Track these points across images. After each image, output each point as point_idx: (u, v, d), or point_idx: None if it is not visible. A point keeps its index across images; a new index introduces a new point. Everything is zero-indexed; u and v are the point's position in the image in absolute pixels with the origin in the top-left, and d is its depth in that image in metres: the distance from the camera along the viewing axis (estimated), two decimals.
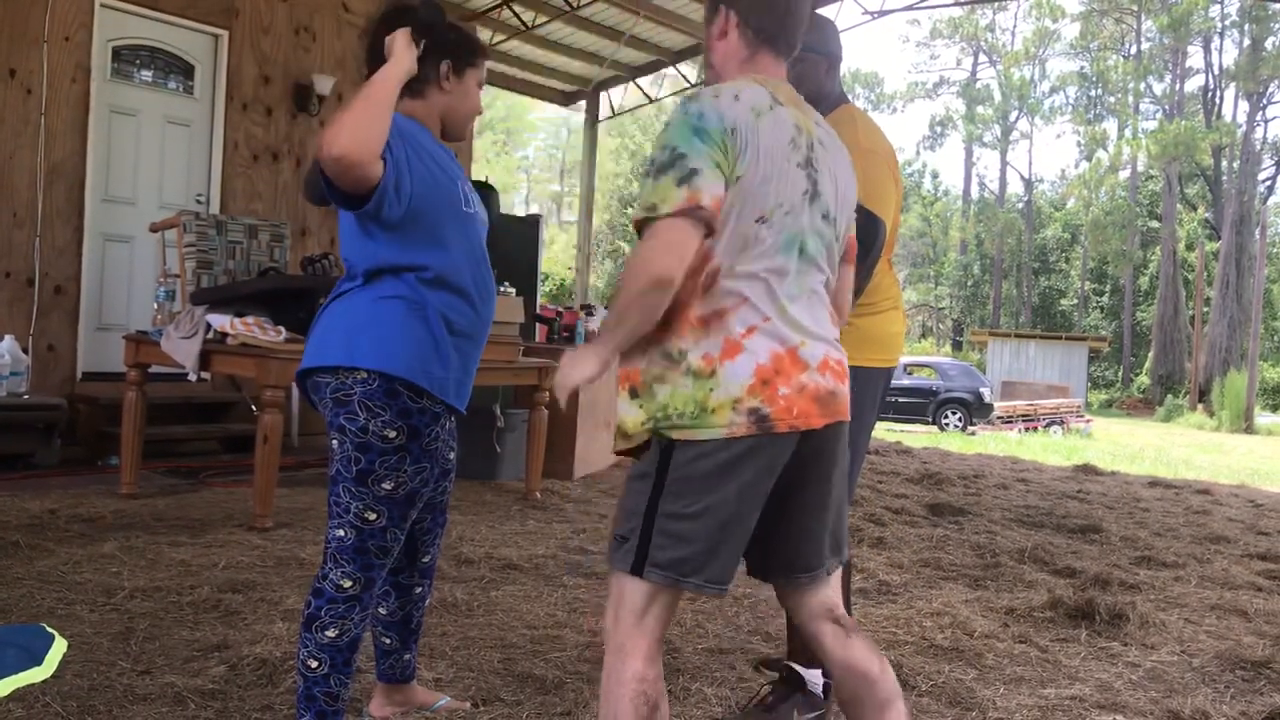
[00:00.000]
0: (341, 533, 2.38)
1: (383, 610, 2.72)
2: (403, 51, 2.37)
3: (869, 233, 2.68)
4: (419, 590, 2.75)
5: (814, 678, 2.93)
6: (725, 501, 1.92)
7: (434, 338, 2.39)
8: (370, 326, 2.36)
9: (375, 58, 2.45)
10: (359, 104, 2.21)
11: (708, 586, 1.95)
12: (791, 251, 1.98)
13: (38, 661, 2.55)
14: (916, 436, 15.68)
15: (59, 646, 2.70)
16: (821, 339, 2.03)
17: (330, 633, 2.35)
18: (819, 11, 3.17)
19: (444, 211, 2.41)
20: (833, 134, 2.13)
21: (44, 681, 2.78)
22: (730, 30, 2.13)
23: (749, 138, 1.93)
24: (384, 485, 2.37)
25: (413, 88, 2.47)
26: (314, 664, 2.36)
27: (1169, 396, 33.30)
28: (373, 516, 2.37)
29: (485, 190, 11.34)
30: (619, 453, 2.06)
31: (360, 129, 2.18)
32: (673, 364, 1.94)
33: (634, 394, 2.00)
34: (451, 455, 2.65)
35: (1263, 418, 27.92)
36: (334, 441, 2.39)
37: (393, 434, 2.35)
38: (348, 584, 2.37)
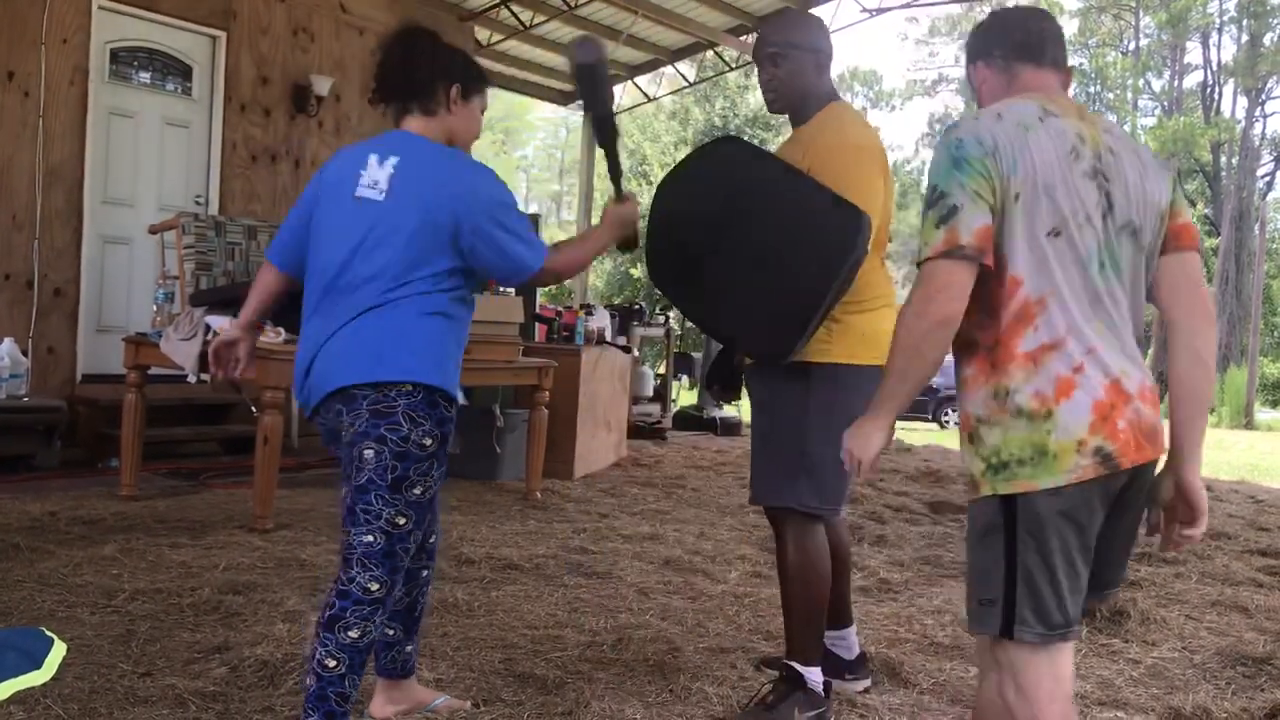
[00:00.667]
0: (370, 538, 2.43)
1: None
2: (612, 226, 2.88)
3: (852, 226, 2.69)
4: (425, 573, 2.81)
5: (814, 676, 2.93)
6: (1073, 544, 1.87)
7: (457, 349, 2.57)
8: (418, 340, 2.47)
9: (385, 76, 2.60)
10: (583, 260, 2.77)
11: (1072, 630, 1.93)
12: (1092, 268, 1.90)
13: (37, 665, 2.54)
14: (917, 434, 15.66)
15: (58, 650, 2.69)
16: (1135, 364, 1.95)
17: (353, 633, 2.40)
18: (811, 11, 3.20)
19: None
20: (1127, 140, 2.02)
21: (45, 684, 2.78)
22: (985, 72, 2.12)
23: (1017, 153, 1.87)
24: (414, 491, 2.46)
25: (426, 107, 2.60)
26: (332, 663, 2.38)
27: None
28: (402, 521, 2.45)
29: None
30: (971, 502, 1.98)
31: (575, 269, 2.73)
32: (1000, 405, 1.89)
33: (970, 439, 1.95)
34: None
35: (1263, 413, 27.92)
36: (369, 451, 2.42)
37: (429, 442, 2.45)
38: (375, 587, 2.43)
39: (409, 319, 2.46)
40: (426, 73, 2.59)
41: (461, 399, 2.63)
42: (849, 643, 3.28)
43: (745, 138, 31.00)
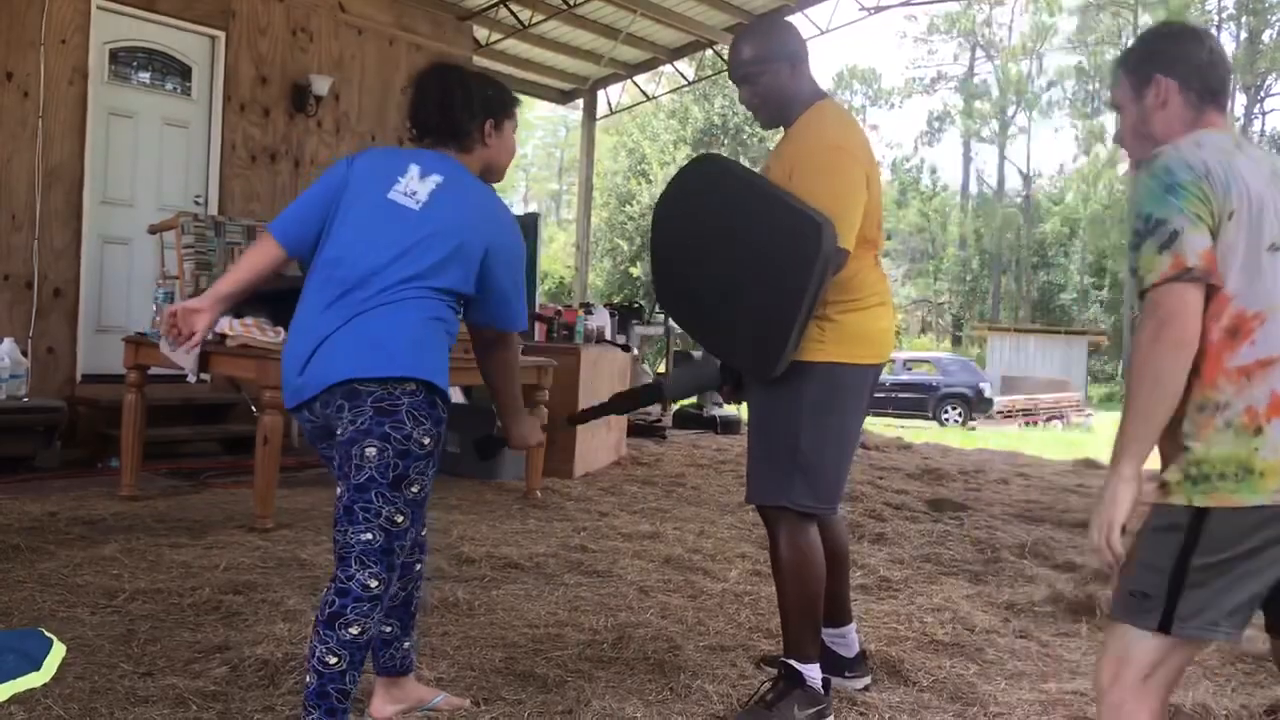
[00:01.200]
0: (369, 535, 2.43)
1: None
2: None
3: (812, 234, 2.69)
4: (419, 567, 2.82)
5: (813, 673, 2.93)
6: (1260, 565, 1.87)
7: (448, 351, 2.58)
8: (424, 340, 2.49)
9: (422, 119, 2.69)
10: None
11: (1234, 633, 1.93)
12: None
13: (36, 666, 2.55)
14: (916, 432, 15.68)
15: (58, 651, 2.70)
16: None
17: (354, 630, 2.40)
18: (770, 12, 3.21)
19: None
20: None
21: (45, 685, 2.78)
22: (1170, 97, 2.06)
23: (1228, 175, 1.87)
24: (413, 489, 2.47)
25: (461, 144, 2.67)
26: (333, 660, 2.39)
27: None
28: (400, 519, 2.46)
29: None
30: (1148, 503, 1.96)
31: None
32: (1206, 416, 1.87)
33: (1171, 448, 1.93)
34: None
35: None
36: (371, 449, 2.42)
37: (429, 441, 2.46)
38: (374, 584, 2.44)
39: (415, 319, 2.48)
40: (463, 116, 2.66)
41: (458, 396, 2.65)
42: (849, 641, 3.28)
43: (745, 136, 31.03)
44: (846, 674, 3.24)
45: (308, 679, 2.41)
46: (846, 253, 2.81)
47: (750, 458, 3.06)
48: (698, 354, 13.93)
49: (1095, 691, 1.96)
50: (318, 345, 2.48)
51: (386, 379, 2.42)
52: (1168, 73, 2.06)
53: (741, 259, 2.84)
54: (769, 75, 2.99)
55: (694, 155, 3.45)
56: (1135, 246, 1.89)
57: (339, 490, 2.50)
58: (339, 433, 2.46)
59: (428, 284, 2.50)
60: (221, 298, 2.65)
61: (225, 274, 2.69)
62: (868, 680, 3.28)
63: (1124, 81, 2.13)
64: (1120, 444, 1.90)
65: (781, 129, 3.11)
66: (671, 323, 12.41)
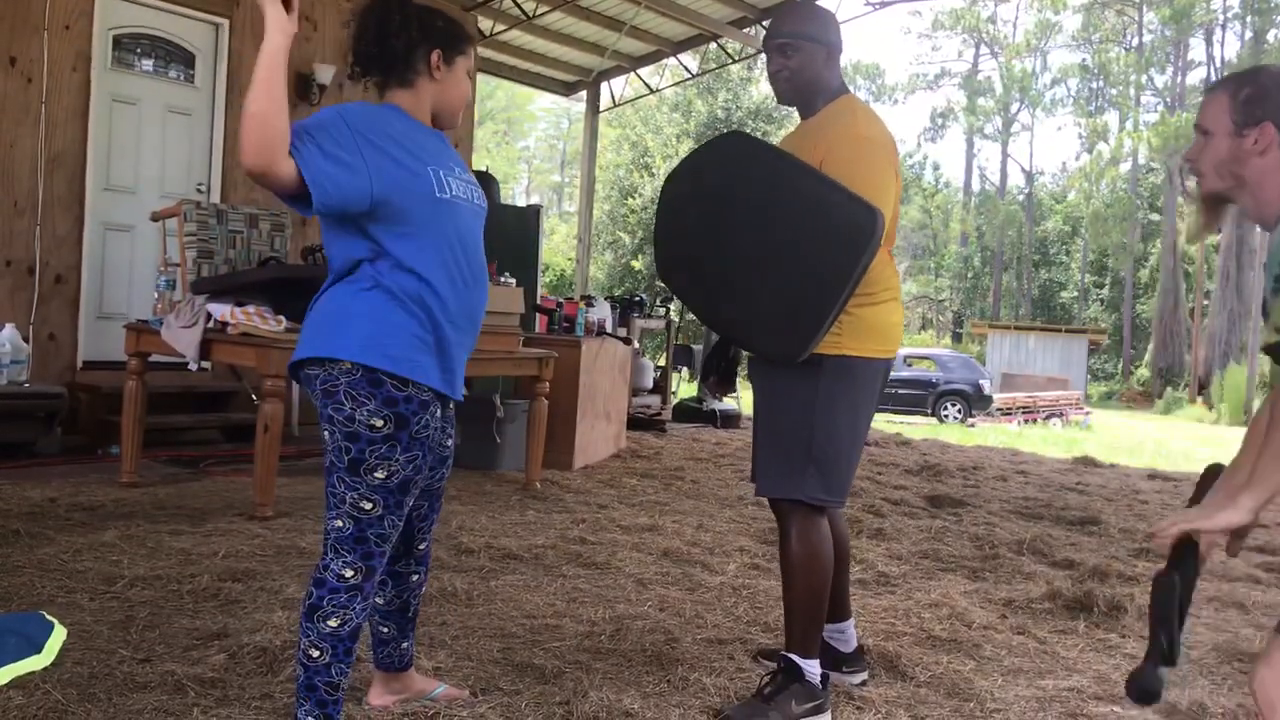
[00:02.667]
0: (340, 523, 2.38)
1: (380, 600, 2.73)
2: (271, 23, 2.23)
3: (866, 222, 2.68)
4: (416, 578, 2.76)
5: (811, 668, 2.94)
6: None
7: (416, 325, 2.38)
8: (352, 318, 2.37)
9: (359, 50, 2.50)
10: (245, 114, 2.17)
11: None
12: None
13: (38, 649, 2.55)
14: (916, 428, 15.68)
15: (59, 634, 2.70)
16: None
17: (332, 622, 2.35)
18: (819, 3, 3.20)
19: (412, 200, 2.38)
20: None
21: (44, 669, 2.78)
22: (1273, 149, 1.96)
23: None
24: (376, 474, 2.36)
25: (403, 78, 2.48)
26: (315, 653, 2.36)
27: (1169, 389, 33.30)
28: (368, 506, 2.37)
29: (484, 180, 11.33)
30: None
31: (254, 138, 2.15)
32: None
33: None
34: (449, 443, 2.66)
35: None
36: (325, 432, 2.39)
37: (379, 423, 2.34)
38: (349, 573, 2.38)
39: (346, 296, 2.40)
40: (403, 41, 2.47)
41: (451, 392, 2.52)
42: (847, 636, 3.29)
43: (749, 130, 30.98)
44: (844, 669, 3.25)
45: (296, 670, 2.40)
46: (879, 247, 2.82)
47: (761, 451, 3.04)
48: (697, 347, 13.94)
49: (1263, 707, 1.88)
50: None
51: (323, 360, 2.36)
52: (1278, 121, 1.96)
53: (779, 237, 2.78)
54: (804, 54, 2.99)
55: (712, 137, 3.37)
56: (1269, 299, 1.86)
57: None
58: None
59: (352, 257, 2.40)
60: None
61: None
62: (865, 675, 3.28)
63: (1223, 109, 2.01)
64: (1253, 477, 1.86)
65: (785, 125, 3.10)
66: (672, 315, 12.42)
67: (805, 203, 2.77)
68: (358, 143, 2.31)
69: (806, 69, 3.01)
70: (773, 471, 2.98)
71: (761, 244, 2.81)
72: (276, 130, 2.18)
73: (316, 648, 2.35)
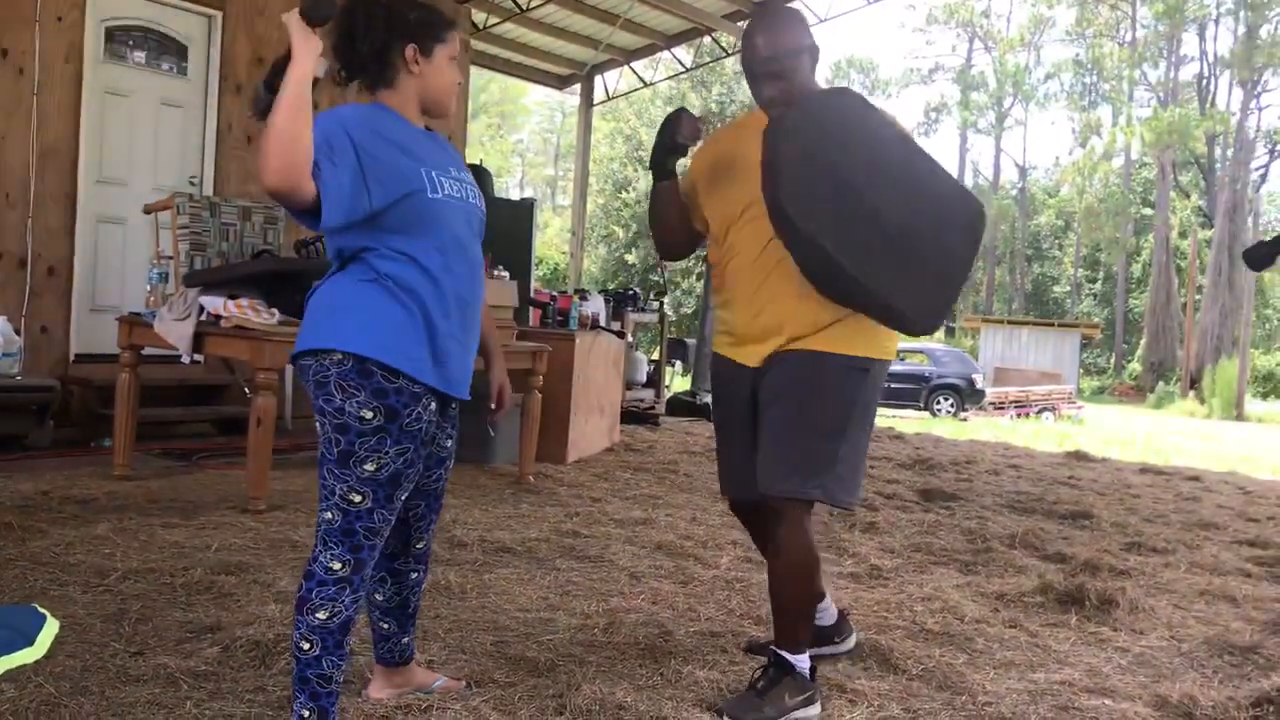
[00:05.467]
0: (329, 515, 2.38)
1: (379, 596, 2.73)
2: (299, 48, 2.29)
3: (980, 212, 2.79)
4: (415, 575, 2.77)
5: (802, 661, 2.95)
6: None
7: (409, 319, 2.39)
8: (346, 309, 2.38)
9: (337, 56, 2.51)
10: (271, 131, 2.18)
11: None
12: None
13: (30, 642, 2.55)
14: (909, 422, 15.70)
15: (51, 627, 2.70)
16: None
17: (321, 615, 2.36)
18: (786, 4, 3.16)
19: (407, 199, 2.39)
20: None
21: (36, 662, 2.78)
22: None
23: None
24: (366, 467, 2.36)
25: (384, 77, 2.49)
26: (306, 646, 2.36)
27: (1161, 384, 33.37)
28: (357, 499, 2.37)
29: (478, 174, 11.32)
30: None
31: (282, 159, 2.17)
32: None
33: None
34: (449, 443, 2.67)
35: (1253, 405, 28.00)
36: (317, 424, 2.40)
37: (369, 415, 2.34)
38: (337, 566, 2.37)
39: (341, 287, 2.42)
40: (372, 42, 2.46)
41: (446, 386, 2.52)
42: (827, 613, 3.35)
43: None
44: (835, 639, 3.29)
45: (291, 664, 2.41)
46: None
47: (774, 448, 2.93)
48: (691, 341, 13.93)
49: None
50: None
51: (316, 351, 2.37)
52: None
53: (921, 218, 2.77)
54: (798, 71, 2.90)
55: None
56: None
57: None
58: None
59: (349, 249, 2.42)
60: None
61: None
62: (854, 639, 3.34)
63: None
64: None
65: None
66: (666, 309, 12.41)
67: (932, 182, 2.83)
68: (359, 155, 2.32)
69: (802, 84, 2.92)
70: (790, 468, 2.89)
71: (903, 220, 2.76)
72: (304, 151, 2.20)
73: (307, 640, 2.36)
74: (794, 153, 2.71)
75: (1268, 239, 3.29)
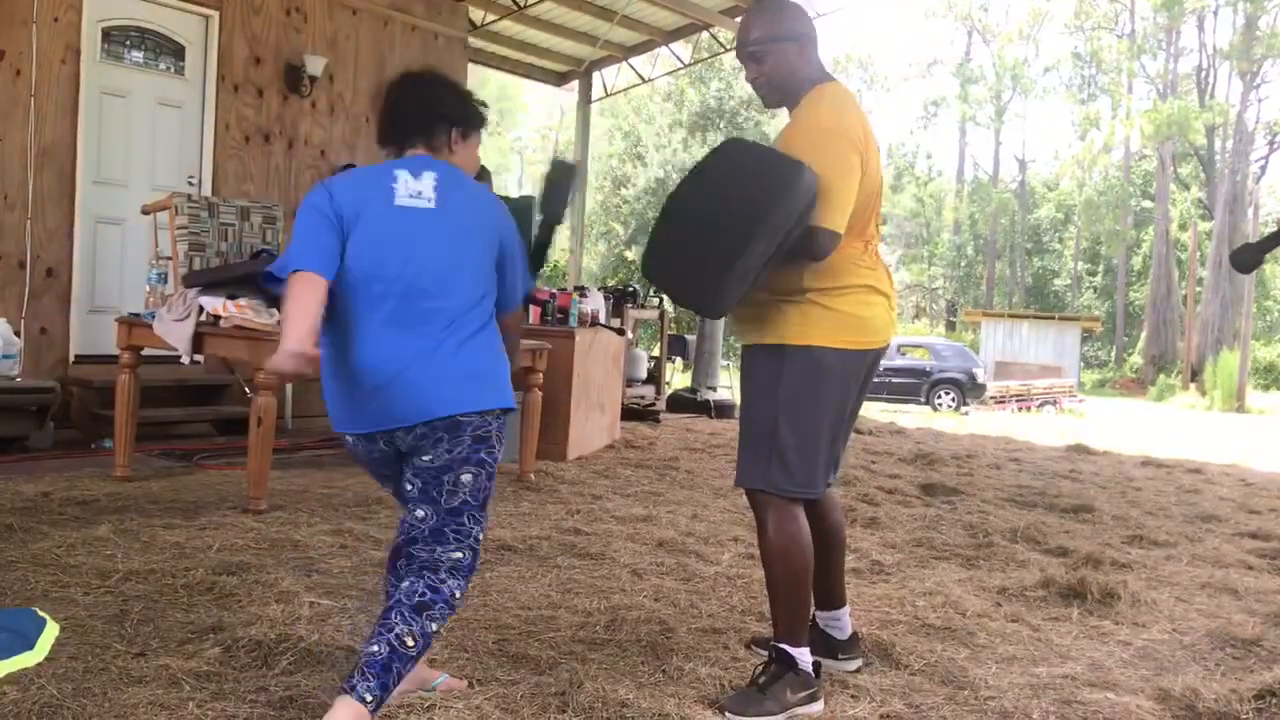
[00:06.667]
0: (460, 554, 2.61)
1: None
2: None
3: (790, 173, 2.74)
4: None
5: (804, 656, 2.94)
6: None
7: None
8: (505, 365, 2.75)
9: (393, 121, 2.76)
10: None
11: None
12: None
13: (30, 646, 2.55)
14: (910, 417, 15.70)
15: (51, 630, 2.70)
16: None
17: (433, 626, 2.54)
18: None
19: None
20: None
21: (39, 664, 2.79)
22: None
23: None
24: (490, 502, 2.69)
25: (430, 145, 2.74)
26: (410, 643, 2.48)
27: (1162, 376, 33.34)
28: (482, 535, 2.67)
29: (478, 172, 11.30)
30: None
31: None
32: None
33: None
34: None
35: (1254, 397, 27.97)
36: (467, 475, 2.60)
37: (500, 456, 2.69)
38: (458, 595, 2.60)
39: (497, 344, 2.68)
40: (431, 119, 2.74)
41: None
42: (842, 624, 3.30)
43: (740, 119, 30.96)
44: (839, 656, 3.26)
45: (374, 647, 2.43)
46: (836, 235, 2.82)
47: (739, 441, 3.08)
48: (691, 337, 13.93)
49: None
50: (399, 371, 2.53)
51: (484, 412, 2.58)
52: None
53: (724, 203, 2.85)
54: (776, 55, 3.00)
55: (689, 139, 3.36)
56: None
57: (421, 512, 2.60)
58: (427, 459, 2.56)
59: (484, 294, 2.67)
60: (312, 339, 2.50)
61: (296, 320, 2.45)
62: (859, 662, 3.29)
63: None
64: None
65: (786, 112, 3.11)
66: (666, 306, 12.42)
67: (747, 170, 2.84)
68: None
69: (781, 69, 3.02)
70: (744, 462, 3.01)
71: (708, 214, 2.89)
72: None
73: (414, 639, 2.49)
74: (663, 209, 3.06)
75: (1253, 241, 3.30)
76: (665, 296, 3.32)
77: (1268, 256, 3.64)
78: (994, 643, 3.63)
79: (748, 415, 3.04)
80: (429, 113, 2.74)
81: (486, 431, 2.59)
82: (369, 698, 2.37)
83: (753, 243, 2.72)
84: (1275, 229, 3.21)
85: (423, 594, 2.52)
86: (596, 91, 14.63)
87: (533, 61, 13.84)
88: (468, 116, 2.81)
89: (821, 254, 2.82)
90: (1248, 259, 3.43)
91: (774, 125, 26.40)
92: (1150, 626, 3.95)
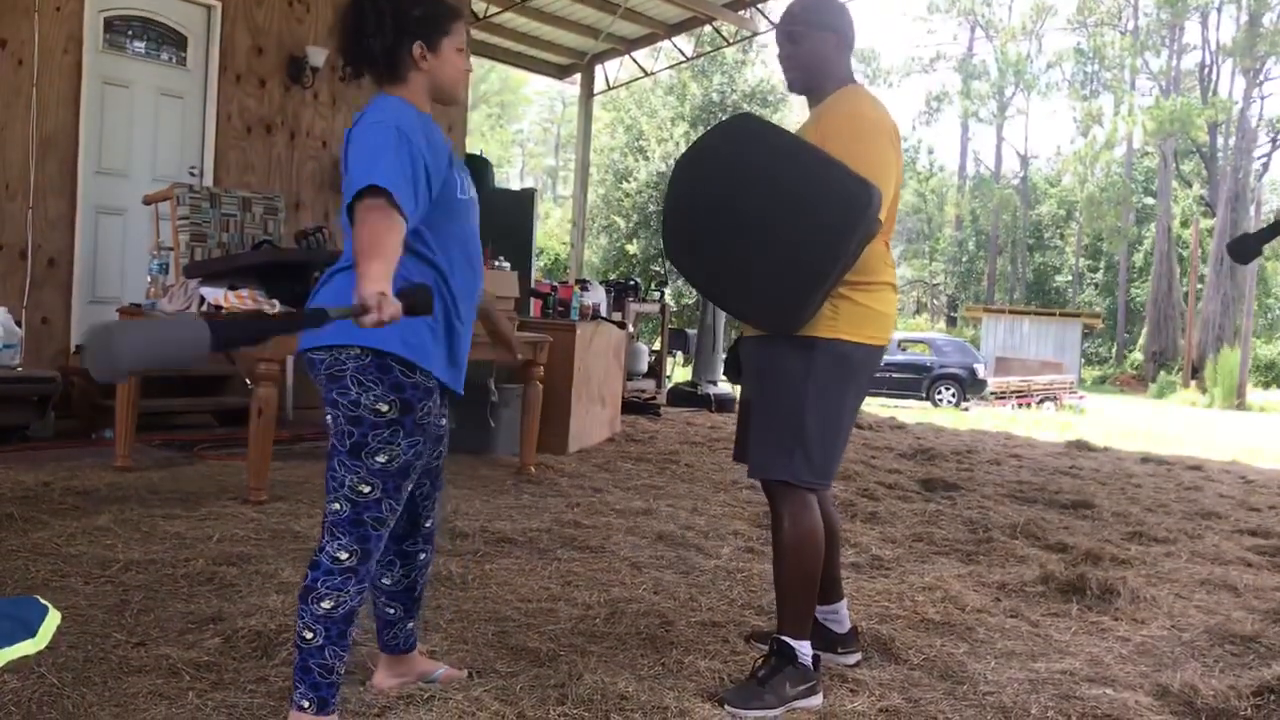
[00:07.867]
0: (337, 506, 2.40)
1: (386, 580, 2.74)
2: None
3: (861, 196, 2.69)
4: (423, 556, 2.79)
5: (805, 650, 2.95)
6: None
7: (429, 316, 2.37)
8: None
9: (344, 53, 2.51)
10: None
11: None
12: None
13: (31, 634, 2.55)
14: (910, 412, 15.70)
15: (53, 619, 2.70)
16: None
17: (325, 604, 2.37)
18: None
19: (440, 202, 2.44)
20: None
21: (39, 653, 2.79)
22: None
23: None
24: (377, 459, 2.38)
25: (394, 75, 2.49)
26: (309, 635, 2.37)
27: (1162, 373, 33.36)
28: (366, 489, 2.39)
29: (479, 163, 11.30)
30: None
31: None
32: None
33: None
34: (443, 423, 2.71)
35: (1255, 394, 27.99)
36: (328, 416, 2.42)
37: (385, 408, 2.37)
38: (344, 556, 2.39)
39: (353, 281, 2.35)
40: (381, 42, 2.46)
41: (454, 385, 2.55)
42: (840, 617, 3.30)
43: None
44: (839, 650, 3.26)
45: (293, 653, 2.42)
46: (879, 225, 2.82)
47: (754, 431, 3.05)
48: (692, 331, 13.94)
49: None
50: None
51: (331, 346, 2.38)
52: None
53: (776, 210, 2.80)
54: (813, 41, 3.01)
55: (693, 132, 3.32)
56: None
57: None
58: None
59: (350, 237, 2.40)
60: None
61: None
62: (859, 656, 3.30)
63: None
64: None
65: (780, 109, 3.10)
66: (667, 299, 12.43)
67: (803, 176, 2.79)
68: (425, 152, 2.36)
69: (815, 56, 3.03)
70: (764, 453, 2.99)
71: (760, 217, 2.82)
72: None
73: (310, 630, 2.37)
74: (675, 183, 3.06)
75: (1252, 231, 3.29)
76: (710, 300, 3.22)
77: (1267, 249, 3.66)
78: (993, 638, 3.64)
79: (769, 407, 2.99)
80: (373, 39, 2.46)
81: (339, 370, 2.37)
82: (305, 704, 2.38)
83: (836, 271, 2.73)
84: (1275, 220, 3.19)
85: (305, 575, 2.41)
86: (599, 84, 14.62)
87: (535, 54, 13.83)
88: (426, 23, 2.49)
89: (867, 243, 2.83)
90: (1246, 249, 3.44)
91: (776, 119, 26.34)
92: (1149, 623, 3.95)
